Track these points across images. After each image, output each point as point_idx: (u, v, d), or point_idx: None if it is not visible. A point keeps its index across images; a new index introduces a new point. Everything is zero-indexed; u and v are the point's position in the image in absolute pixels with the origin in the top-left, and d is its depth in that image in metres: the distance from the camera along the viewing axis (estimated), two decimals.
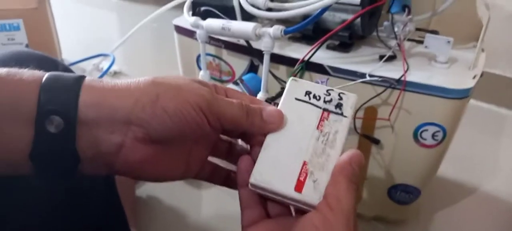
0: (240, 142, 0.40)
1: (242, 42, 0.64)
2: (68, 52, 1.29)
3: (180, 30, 0.72)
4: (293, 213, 0.35)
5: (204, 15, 0.66)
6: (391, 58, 0.59)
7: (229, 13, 0.65)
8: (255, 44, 0.62)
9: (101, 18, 1.79)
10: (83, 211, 0.51)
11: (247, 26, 0.59)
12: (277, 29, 0.58)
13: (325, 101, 0.36)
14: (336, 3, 0.55)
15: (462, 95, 0.53)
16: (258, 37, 0.59)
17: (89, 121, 0.28)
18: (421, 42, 0.62)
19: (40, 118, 0.27)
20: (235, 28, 0.60)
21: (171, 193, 0.84)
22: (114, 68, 1.24)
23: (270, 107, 0.35)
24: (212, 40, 0.68)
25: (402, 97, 0.55)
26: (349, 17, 0.57)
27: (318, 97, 0.36)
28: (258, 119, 0.34)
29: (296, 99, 0.36)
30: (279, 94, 0.63)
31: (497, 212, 0.80)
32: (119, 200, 0.59)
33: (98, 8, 1.88)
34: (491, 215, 0.79)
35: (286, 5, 0.61)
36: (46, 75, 0.29)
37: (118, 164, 0.30)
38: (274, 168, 0.33)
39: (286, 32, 0.58)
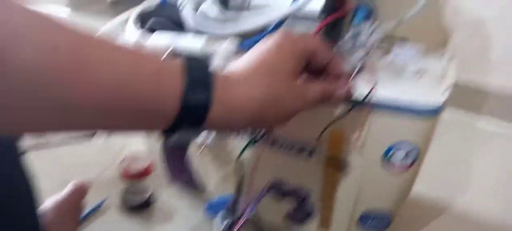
0: None
1: None
2: None
3: None
4: None
5: (154, 28, 0.58)
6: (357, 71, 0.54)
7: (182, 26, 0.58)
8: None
9: None
10: None
11: (196, 45, 0.52)
12: (229, 46, 0.51)
13: None
14: (294, 13, 0.50)
15: (434, 113, 0.48)
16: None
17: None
18: (388, 51, 0.58)
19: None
20: (182, 46, 0.53)
21: None
22: None
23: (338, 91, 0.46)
24: None
25: (370, 118, 0.49)
26: (310, 29, 0.51)
27: None
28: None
29: None
30: None
31: (472, 228, 0.76)
32: None
33: None
34: None
35: (241, 16, 0.55)
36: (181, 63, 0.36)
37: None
38: None
39: (243, 47, 0.51)
